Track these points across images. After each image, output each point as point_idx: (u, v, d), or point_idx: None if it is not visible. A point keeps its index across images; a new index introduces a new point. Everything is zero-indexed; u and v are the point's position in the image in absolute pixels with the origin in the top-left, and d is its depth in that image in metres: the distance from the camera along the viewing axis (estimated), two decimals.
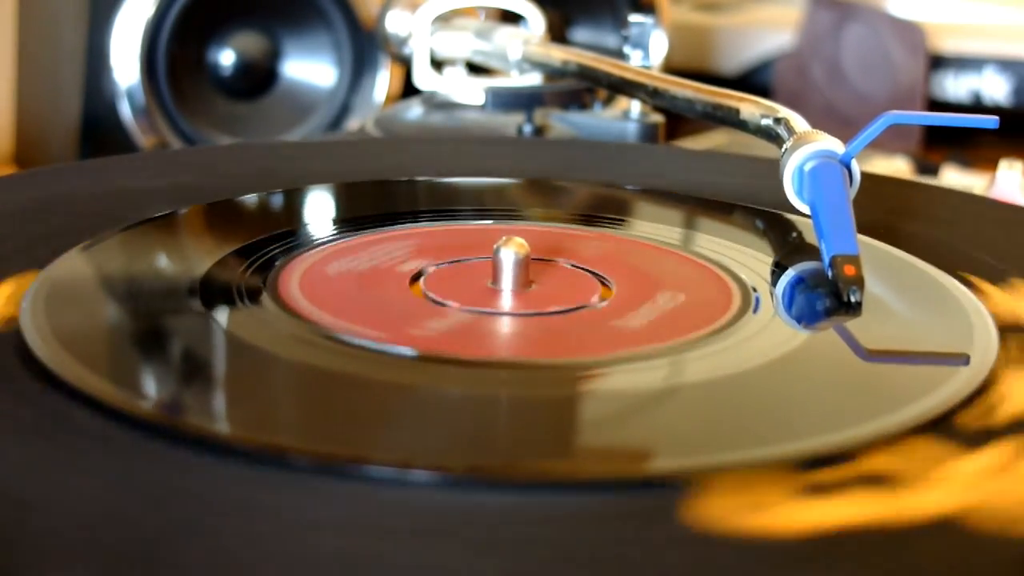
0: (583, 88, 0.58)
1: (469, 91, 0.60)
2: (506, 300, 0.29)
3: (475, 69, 0.64)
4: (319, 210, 0.39)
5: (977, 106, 0.95)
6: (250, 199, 0.37)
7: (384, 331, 0.26)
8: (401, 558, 0.17)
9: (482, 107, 0.59)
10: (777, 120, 0.38)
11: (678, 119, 0.52)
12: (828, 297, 0.29)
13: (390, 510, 0.19)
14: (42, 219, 0.34)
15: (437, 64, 0.63)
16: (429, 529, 0.18)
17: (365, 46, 0.72)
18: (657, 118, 0.55)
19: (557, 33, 0.83)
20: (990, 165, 0.61)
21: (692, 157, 0.50)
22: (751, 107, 0.41)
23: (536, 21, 0.64)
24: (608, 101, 0.62)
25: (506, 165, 0.45)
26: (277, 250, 0.32)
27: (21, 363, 0.23)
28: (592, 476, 0.20)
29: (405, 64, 0.67)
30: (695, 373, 0.26)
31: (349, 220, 0.36)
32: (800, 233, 0.35)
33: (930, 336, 0.28)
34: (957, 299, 0.29)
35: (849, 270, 0.29)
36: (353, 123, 0.72)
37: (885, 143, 0.69)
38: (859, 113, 0.96)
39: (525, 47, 0.59)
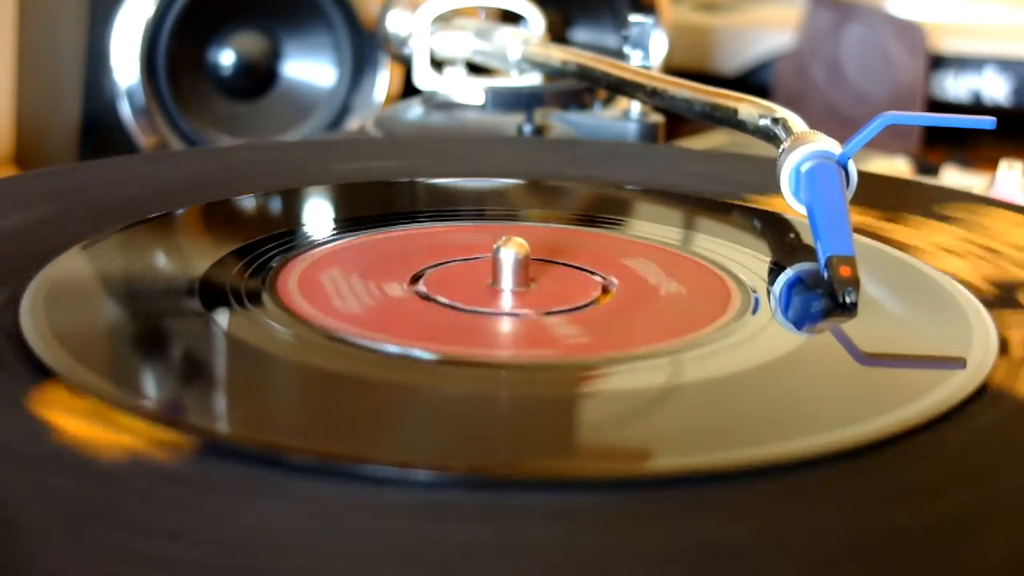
0: (583, 88, 0.58)
1: (469, 91, 0.60)
2: (506, 300, 0.29)
3: (475, 69, 0.64)
4: (318, 211, 0.39)
5: (977, 106, 0.95)
6: (249, 200, 0.38)
7: (384, 331, 0.26)
8: (402, 557, 0.17)
9: (482, 107, 0.59)
10: (775, 120, 0.38)
11: (678, 119, 0.52)
12: (825, 298, 0.29)
13: (391, 509, 0.19)
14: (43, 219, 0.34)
15: (437, 64, 0.63)
16: (430, 528, 0.18)
17: (365, 46, 0.72)
18: (657, 118, 0.55)
19: (557, 33, 0.83)
20: (990, 165, 0.61)
21: (692, 157, 0.50)
22: (749, 107, 0.41)
23: (536, 21, 0.64)
24: (608, 101, 0.62)
25: (506, 165, 0.45)
26: (276, 250, 0.32)
27: (20, 361, 0.23)
28: (592, 475, 0.20)
29: (405, 64, 0.67)
30: (694, 373, 0.26)
31: (348, 220, 0.36)
32: (798, 234, 0.36)
33: (928, 337, 0.28)
34: (956, 299, 0.29)
35: (844, 271, 0.29)
36: (353, 123, 0.72)
37: (885, 143, 0.69)
38: (859, 113, 0.96)
39: (525, 47, 0.59)
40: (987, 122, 0.33)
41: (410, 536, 0.18)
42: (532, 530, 0.18)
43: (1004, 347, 0.26)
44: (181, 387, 0.24)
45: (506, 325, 0.28)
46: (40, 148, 0.67)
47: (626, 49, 0.56)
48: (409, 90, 0.69)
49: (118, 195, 0.37)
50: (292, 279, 0.30)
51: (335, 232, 0.34)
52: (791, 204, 0.34)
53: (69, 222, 0.33)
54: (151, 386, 0.24)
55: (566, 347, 0.27)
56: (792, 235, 0.36)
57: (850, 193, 0.33)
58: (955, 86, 0.97)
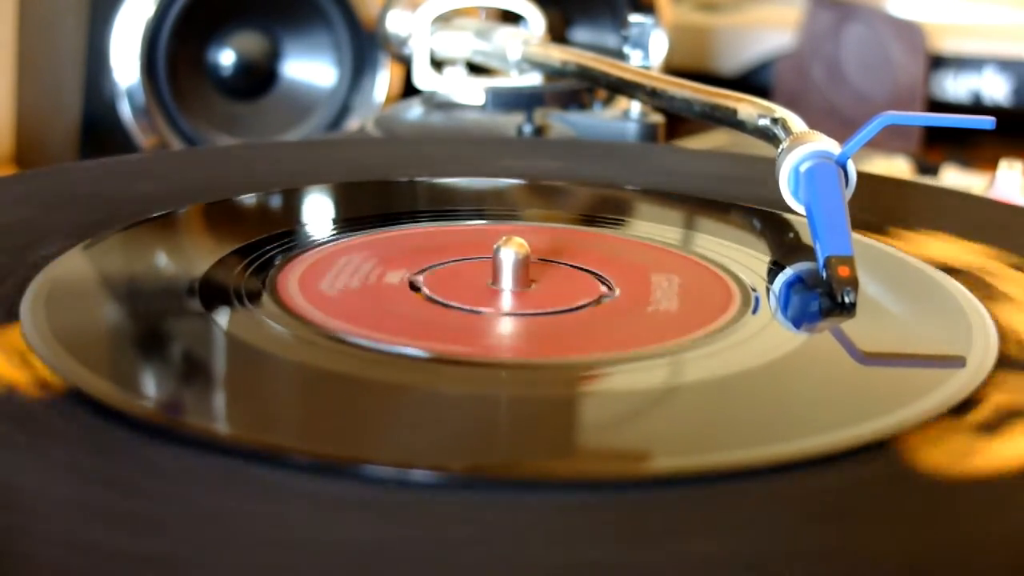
0: (583, 88, 0.58)
1: (469, 91, 0.60)
2: (506, 300, 0.29)
3: (475, 69, 0.64)
4: (318, 210, 0.39)
5: (977, 106, 0.95)
6: (249, 199, 0.38)
7: (384, 331, 0.26)
8: (402, 556, 0.18)
9: (482, 107, 0.59)
10: (774, 120, 0.38)
11: (678, 119, 0.52)
12: (824, 297, 0.29)
13: (391, 510, 0.19)
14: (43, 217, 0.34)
15: (437, 64, 0.63)
16: (430, 528, 0.18)
17: (365, 46, 0.72)
18: (657, 118, 0.56)
19: (557, 33, 0.83)
20: (990, 165, 0.61)
21: (691, 157, 0.50)
22: (748, 107, 0.41)
23: (536, 21, 0.64)
24: (608, 101, 0.62)
25: (506, 165, 0.45)
26: (276, 250, 0.32)
27: (21, 363, 0.24)
28: (592, 475, 0.20)
29: (405, 64, 0.67)
30: (694, 373, 0.26)
31: (349, 220, 0.36)
32: (798, 233, 0.36)
33: (929, 337, 0.28)
34: (955, 298, 0.30)
35: (843, 271, 0.29)
36: (353, 123, 0.72)
37: (885, 143, 0.69)
38: (859, 113, 0.96)
39: (525, 47, 0.59)
40: (986, 122, 0.33)
41: (409, 536, 0.18)
42: (531, 530, 0.18)
43: (1004, 346, 0.26)
44: (181, 387, 0.24)
45: (506, 325, 0.28)
46: (40, 148, 0.67)
47: (626, 49, 0.56)
48: (409, 90, 0.69)
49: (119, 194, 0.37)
50: (292, 279, 0.30)
51: (335, 232, 0.34)
52: (790, 204, 0.34)
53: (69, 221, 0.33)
54: (151, 386, 0.24)
55: (566, 347, 0.27)
56: (791, 234, 0.36)
57: (849, 193, 0.33)
58: (955, 86, 0.97)
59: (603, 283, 0.30)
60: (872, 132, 0.33)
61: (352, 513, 0.19)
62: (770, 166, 0.36)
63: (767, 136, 0.39)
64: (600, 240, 0.35)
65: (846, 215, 0.31)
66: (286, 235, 0.33)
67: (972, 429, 0.22)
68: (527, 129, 0.55)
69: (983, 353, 0.26)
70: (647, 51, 0.55)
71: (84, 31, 0.64)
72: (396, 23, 0.66)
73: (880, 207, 0.38)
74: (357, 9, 0.71)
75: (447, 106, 0.60)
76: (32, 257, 0.30)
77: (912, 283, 0.31)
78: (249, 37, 0.71)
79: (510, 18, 0.67)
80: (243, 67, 0.71)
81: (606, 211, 0.39)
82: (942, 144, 0.90)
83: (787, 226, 0.36)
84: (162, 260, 0.32)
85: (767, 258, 0.33)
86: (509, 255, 0.29)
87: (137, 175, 0.40)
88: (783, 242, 0.35)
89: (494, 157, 0.47)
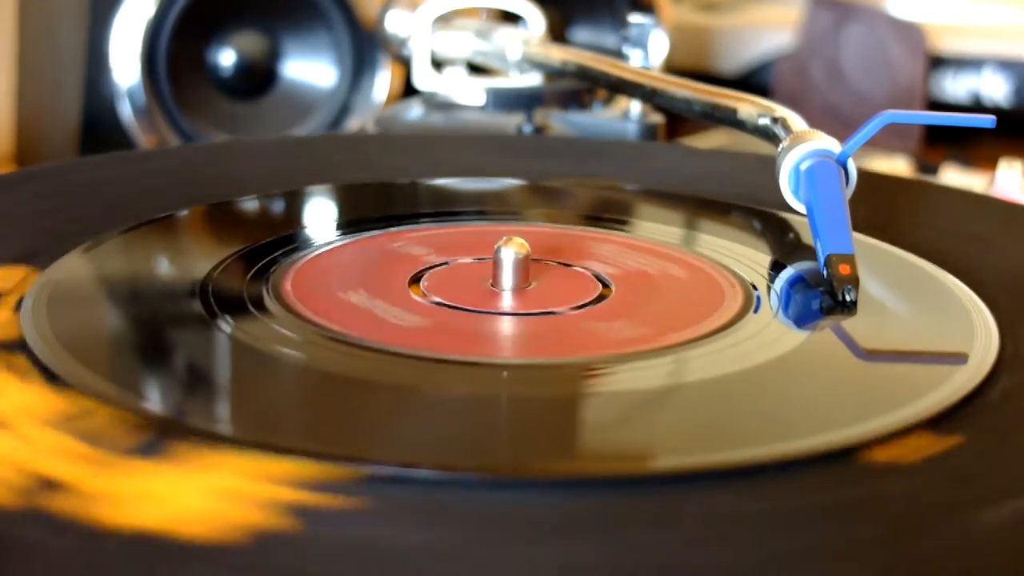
0: (583, 88, 0.58)
1: (469, 91, 0.60)
2: (506, 300, 0.29)
3: (475, 69, 0.64)
4: (320, 212, 0.39)
5: (977, 106, 0.96)
6: (251, 201, 0.38)
7: (385, 332, 0.26)
8: (403, 557, 0.18)
9: (482, 107, 0.59)
10: (774, 119, 0.38)
11: (678, 119, 0.52)
12: (825, 296, 0.29)
13: (393, 510, 0.19)
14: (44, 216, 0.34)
15: (437, 64, 0.63)
16: (432, 528, 0.18)
17: (365, 46, 0.72)
18: (657, 118, 0.56)
19: (557, 33, 0.83)
20: (990, 165, 0.61)
21: (692, 157, 0.50)
22: (748, 107, 0.41)
23: (536, 21, 0.64)
24: (608, 101, 0.62)
25: (506, 165, 0.45)
26: (279, 252, 0.32)
27: (22, 364, 0.23)
28: (593, 475, 0.20)
29: (405, 64, 0.67)
30: (696, 372, 0.26)
31: (350, 222, 0.36)
32: (799, 232, 0.36)
33: (930, 334, 0.28)
34: (956, 295, 0.30)
35: (844, 269, 0.29)
36: (353, 123, 0.72)
37: (885, 142, 0.69)
38: (859, 113, 0.96)
39: (525, 47, 0.59)
40: (986, 120, 0.33)
41: (411, 536, 0.18)
42: (531, 528, 0.18)
43: (1005, 342, 0.26)
44: (184, 389, 0.24)
45: (507, 325, 0.28)
46: (40, 148, 0.67)
47: (626, 49, 0.56)
48: (409, 90, 0.69)
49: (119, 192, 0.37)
50: (294, 280, 0.30)
51: (337, 233, 0.34)
52: (791, 202, 0.34)
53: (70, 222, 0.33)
54: (154, 388, 0.24)
55: (567, 347, 0.27)
56: (792, 233, 0.36)
57: (849, 191, 0.33)
58: (954, 86, 0.97)
59: (603, 283, 0.30)
60: (872, 131, 0.33)
61: (351, 514, 0.19)
62: (770, 165, 0.36)
63: (767, 135, 0.39)
64: (600, 240, 0.35)
65: (847, 213, 0.31)
66: (287, 237, 0.33)
67: (974, 424, 0.22)
68: (527, 129, 0.55)
69: (984, 349, 0.26)
70: (647, 51, 0.55)
71: (84, 31, 0.64)
72: (396, 23, 0.66)
73: (880, 205, 0.38)
74: (357, 9, 0.71)
75: (447, 106, 0.60)
76: (32, 257, 0.30)
77: (913, 280, 0.31)
78: (249, 37, 0.71)
79: (510, 18, 0.67)
80: (243, 67, 0.71)
81: (606, 211, 0.39)
82: (942, 144, 0.90)
83: (788, 225, 0.36)
84: (164, 262, 0.32)
85: (768, 257, 0.33)
86: (509, 255, 0.29)
87: (134, 173, 0.40)
88: (784, 241, 0.35)
89: (494, 157, 0.47)
